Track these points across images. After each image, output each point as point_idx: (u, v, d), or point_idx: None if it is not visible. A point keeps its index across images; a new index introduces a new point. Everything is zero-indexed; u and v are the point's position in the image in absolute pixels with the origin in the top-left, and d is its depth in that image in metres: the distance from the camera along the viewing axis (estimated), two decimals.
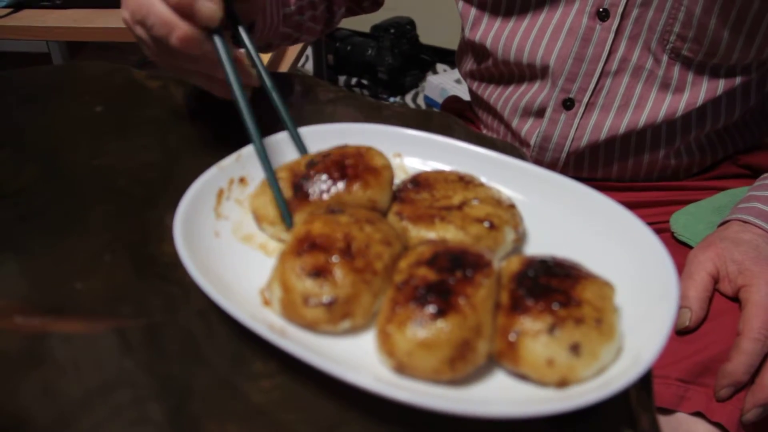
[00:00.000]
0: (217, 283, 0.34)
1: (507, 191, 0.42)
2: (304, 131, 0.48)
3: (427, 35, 2.30)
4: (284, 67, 1.19)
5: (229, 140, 0.53)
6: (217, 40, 0.45)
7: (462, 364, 0.30)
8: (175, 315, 0.36)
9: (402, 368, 0.31)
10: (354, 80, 2.32)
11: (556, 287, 0.32)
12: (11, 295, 0.38)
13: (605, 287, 0.33)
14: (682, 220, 0.77)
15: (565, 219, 0.41)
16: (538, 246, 0.40)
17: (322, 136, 0.47)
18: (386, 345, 0.31)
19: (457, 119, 0.55)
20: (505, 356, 0.31)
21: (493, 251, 0.38)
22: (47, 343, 0.34)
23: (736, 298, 0.61)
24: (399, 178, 0.45)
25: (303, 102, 0.60)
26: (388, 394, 0.28)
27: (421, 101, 2.26)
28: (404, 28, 2.18)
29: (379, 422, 0.30)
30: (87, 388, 0.31)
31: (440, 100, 2.09)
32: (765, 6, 0.65)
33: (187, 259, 0.35)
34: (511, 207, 0.40)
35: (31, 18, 0.90)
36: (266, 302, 0.35)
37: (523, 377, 0.31)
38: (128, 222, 0.44)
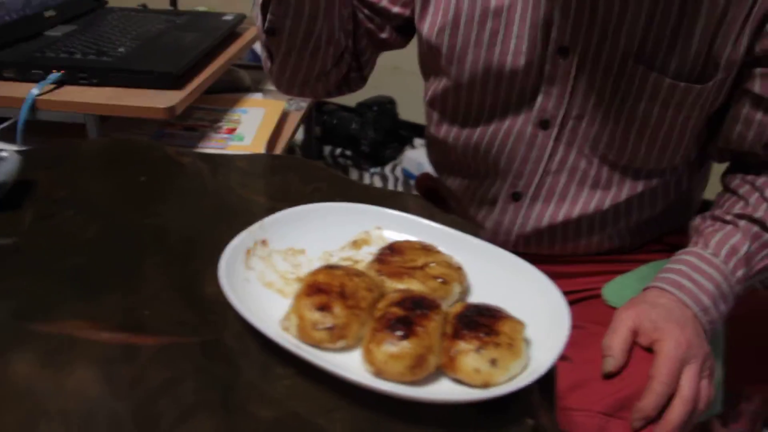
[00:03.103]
0: (249, 314, 0.49)
1: (457, 257, 0.58)
2: (301, 210, 0.63)
3: (406, 112, 2.49)
4: (282, 141, 1.34)
5: (251, 208, 0.68)
6: None
7: (419, 371, 0.45)
8: (220, 335, 0.51)
9: (379, 373, 0.46)
10: (339, 151, 2.49)
11: (483, 323, 0.47)
12: (98, 318, 0.52)
13: (518, 324, 0.48)
14: (611, 289, 0.92)
15: (497, 277, 0.56)
16: (476, 296, 0.56)
17: (321, 213, 0.63)
18: (369, 357, 0.46)
19: (426, 203, 0.71)
20: (447, 367, 0.46)
21: (444, 299, 0.53)
22: (130, 351, 0.49)
23: (650, 349, 0.74)
24: (379, 245, 0.61)
25: (300, 184, 0.75)
26: (370, 385, 0.43)
27: (399, 173, 2.42)
28: (386, 106, 2.38)
29: (363, 407, 0.45)
30: (164, 379, 0.46)
31: (416, 173, 2.27)
32: (671, 131, 0.81)
33: (230, 295, 0.50)
34: (459, 269, 0.56)
35: (72, 94, 1.04)
36: (285, 329, 0.50)
37: (459, 381, 0.46)
38: (176, 270, 0.59)
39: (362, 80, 0.97)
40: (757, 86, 0.78)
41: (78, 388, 0.45)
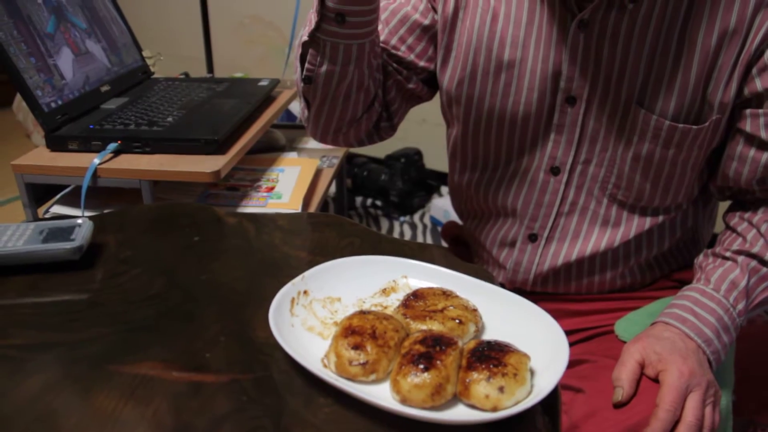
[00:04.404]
0: (295, 353, 0.58)
1: (473, 300, 0.67)
2: (337, 263, 0.72)
3: (432, 162, 2.60)
4: (317, 196, 1.44)
5: (291, 263, 0.78)
6: None
7: (438, 398, 0.54)
8: (270, 372, 0.60)
9: (405, 400, 0.54)
10: (369, 201, 2.60)
11: (493, 356, 0.56)
12: (168, 360, 0.61)
13: (523, 356, 0.57)
14: (623, 325, 0.99)
15: (507, 317, 0.65)
16: (489, 333, 0.64)
17: (355, 265, 0.72)
18: (396, 387, 0.55)
19: (447, 252, 0.80)
20: (462, 394, 0.55)
21: (461, 337, 0.62)
22: (196, 387, 0.58)
23: (656, 380, 0.80)
24: (405, 292, 0.70)
25: (336, 239, 0.85)
26: (397, 411, 0.52)
27: (427, 220, 2.51)
28: (413, 158, 2.48)
29: (391, 429, 0.53)
30: (225, 409, 0.55)
31: (443, 220, 2.36)
32: (673, 169, 0.89)
33: (279, 338, 0.59)
34: (475, 310, 0.65)
35: (128, 162, 1.14)
36: (324, 365, 0.59)
37: (472, 406, 0.55)
38: (230, 318, 0.68)
39: (392, 129, 1.04)
40: (748, 125, 0.86)
41: (156, 418, 0.54)
